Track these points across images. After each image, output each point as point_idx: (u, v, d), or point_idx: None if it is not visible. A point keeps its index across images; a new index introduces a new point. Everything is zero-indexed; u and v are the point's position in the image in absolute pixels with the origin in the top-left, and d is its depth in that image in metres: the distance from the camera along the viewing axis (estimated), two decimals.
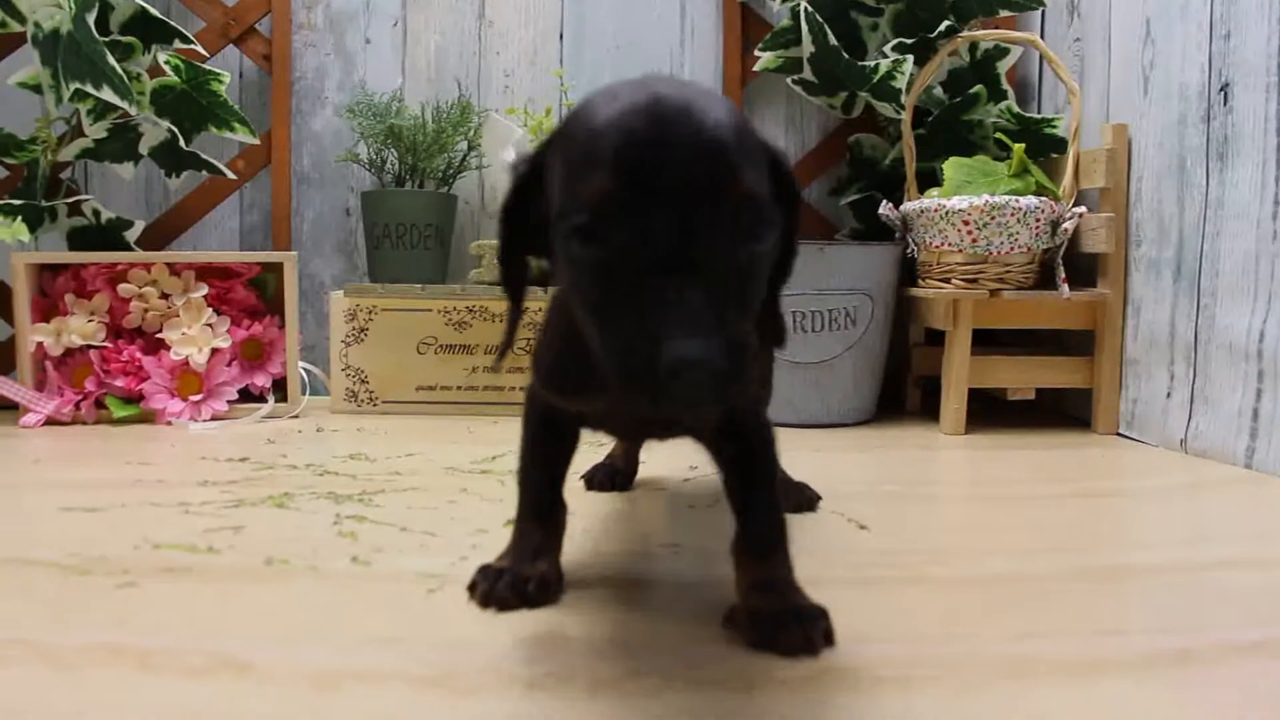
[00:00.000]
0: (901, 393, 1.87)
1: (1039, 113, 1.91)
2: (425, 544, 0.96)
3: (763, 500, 0.78)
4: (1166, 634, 0.73)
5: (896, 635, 0.73)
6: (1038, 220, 1.58)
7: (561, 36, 2.03)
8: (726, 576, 0.77)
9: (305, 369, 1.79)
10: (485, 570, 0.81)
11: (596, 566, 0.90)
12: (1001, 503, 1.18)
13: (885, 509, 1.12)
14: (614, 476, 1.21)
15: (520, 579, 0.79)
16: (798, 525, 1.03)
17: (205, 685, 0.63)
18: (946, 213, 1.59)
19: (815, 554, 0.93)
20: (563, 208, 0.59)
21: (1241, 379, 1.35)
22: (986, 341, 1.77)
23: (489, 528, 1.02)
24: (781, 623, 0.70)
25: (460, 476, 1.25)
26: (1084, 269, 1.67)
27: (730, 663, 0.67)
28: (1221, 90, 1.39)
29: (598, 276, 0.58)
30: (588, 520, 1.05)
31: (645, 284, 0.55)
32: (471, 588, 0.80)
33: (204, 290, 1.69)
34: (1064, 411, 1.80)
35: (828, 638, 0.70)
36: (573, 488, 1.17)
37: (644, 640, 0.72)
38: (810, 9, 1.70)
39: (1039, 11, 1.89)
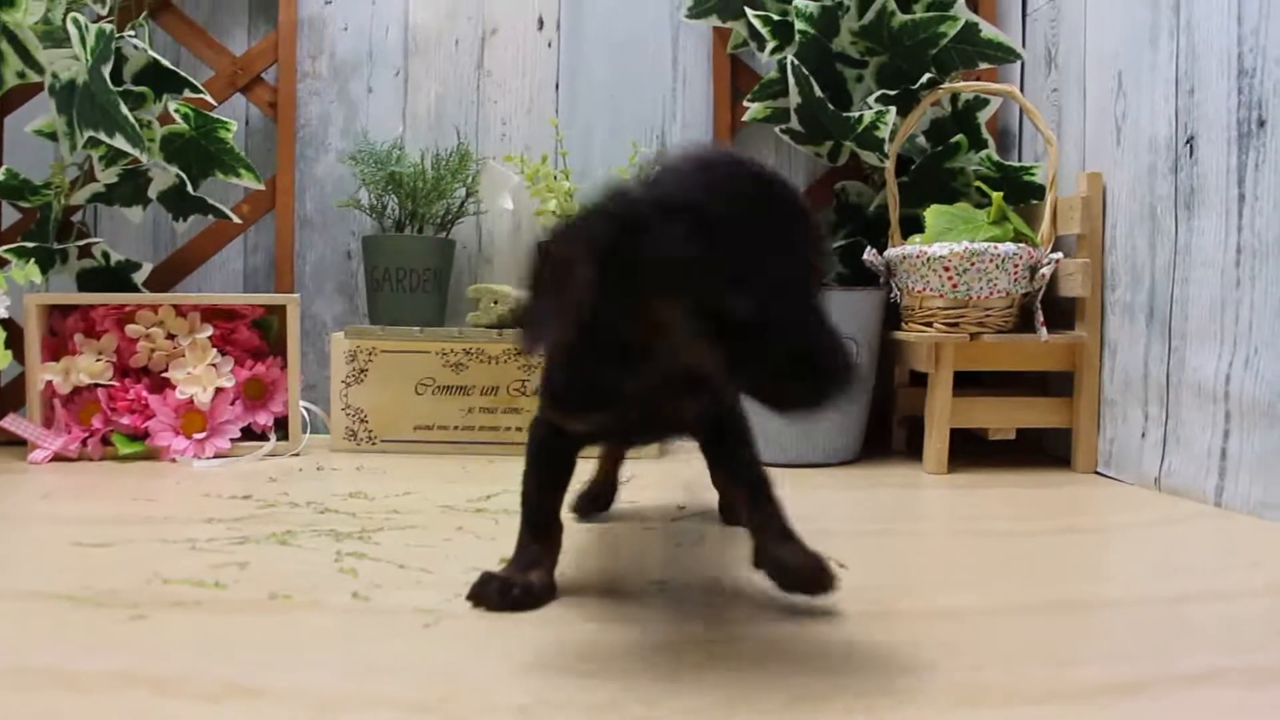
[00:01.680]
0: (888, 433, 1.92)
1: (1019, 161, 1.97)
2: (421, 580, 1.00)
3: (745, 460, 0.95)
4: (1122, 664, 0.78)
5: (865, 667, 0.77)
6: (1016, 266, 1.63)
7: (557, 86, 2.09)
8: (706, 612, 0.87)
9: (306, 408, 1.84)
10: (483, 576, 0.93)
11: (586, 603, 0.94)
12: (978, 539, 1.23)
13: (864, 545, 1.17)
14: (597, 501, 1.28)
15: (508, 585, 0.91)
16: None
17: (218, 709, 0.68)
18: (928, 259, 1.64)
19: None
20: None
21: (1210, 420, 1.40)
22: (970, 383, 1.82)
23: (483, 565, 1.05)
24: (804, 573, 0.88)
25: (456, 515, 1.29)
26: (1062, 312, 1.72)
27: (711, 693, 0.71)
28: (1188, 143, 1.45)
29: None
30: (580, 557, 1.10)
31: None
32: (471, 592, 0.92)
33: (209, 331, 1.75)
34: (1045, 451, 1.84)
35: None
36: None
37: (630, 671, 0.76)
38: (796, 62, 1.76)
39: (1019, 63, 1.94)
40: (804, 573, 0.88)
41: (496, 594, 0.91)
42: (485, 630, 0.86)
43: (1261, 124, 1.31)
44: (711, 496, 1.30)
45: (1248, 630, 0.87)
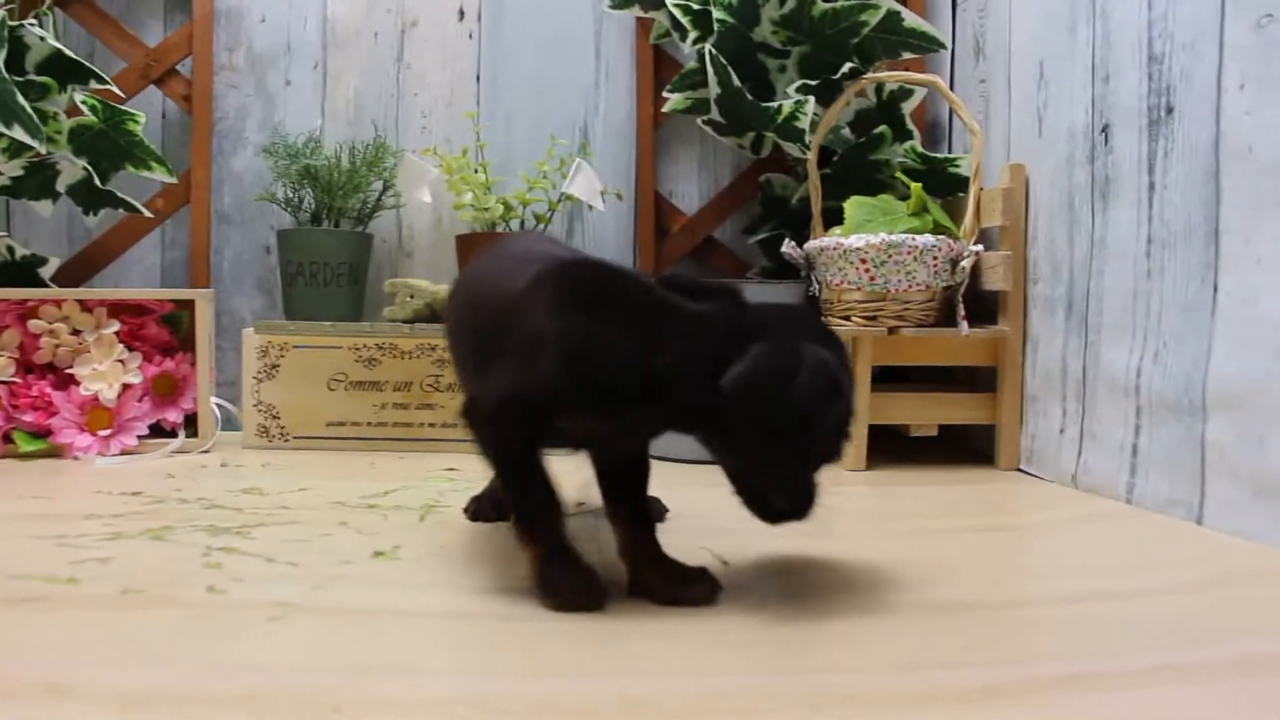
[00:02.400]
0: None
1: (949, 152, 1.94)
2: (286, 574, 0.97)
3: (646, 497, 0.98)
4: (985, 668, 0.75)
5: (705, 669, 0.74)
6: (935, 258, 1.60)
7: (478, 78, 2.06)
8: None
9: (219, 404, 1.79)
10: (552, 577, 0.88)
11: (447, 600, 0.91)
12: (885, 539, 1.19)
13: (759, 544, 1.13)
14: (497, 506, 1.23)
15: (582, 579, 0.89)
16: None
17: (18, 708, 0.64)
18: (845, 251, 1.61)
19: None
20: None
21: (1123, 415, 1.37)
22: (897, 379, 1.79)
23: (354, 559, 1.03)
24: (690, 579, 0.92)
25: (344, 511, 1.26)
26: (987, 306, 1.70)
27: (539, 694, 0.69)
28: (1103, 131, 1.43)
29: None
30: (457, 552, 1.07)
31: None
32: (550, 594, 0.88)
33: (115, 326, 1.70)
34: (971, 448, 1.81)
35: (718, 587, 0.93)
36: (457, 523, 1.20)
37: (464, 668, 0.74)
38: (714, 51, 1.73)
39: (949, 53, 1.92)
40: (695, 585, 0.92)
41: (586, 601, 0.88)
42: (332, 625, 0.83)
43: (1169, 111, 1.28)
44: None
45: (1127, 633, 0.84)
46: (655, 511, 1.17)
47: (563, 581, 0.87)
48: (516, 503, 0.92)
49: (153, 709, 0.64)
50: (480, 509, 1.23)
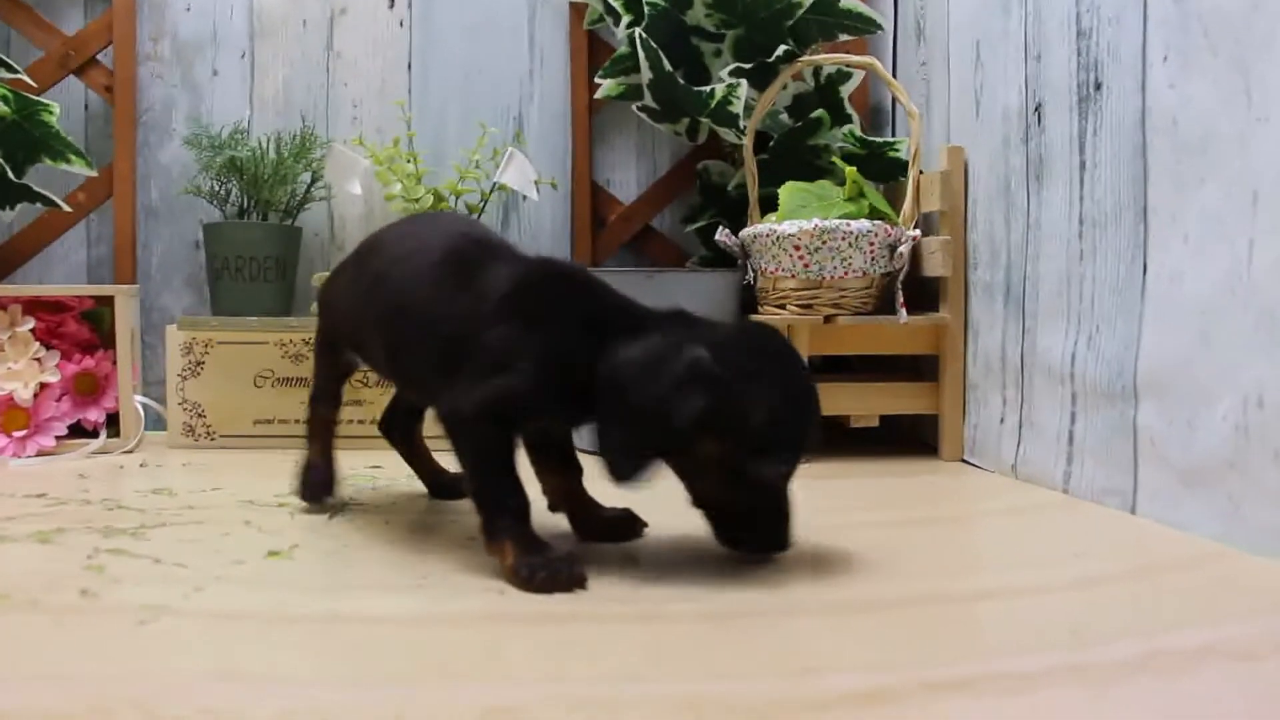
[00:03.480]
0: None
1: (893, 136, 1.90)
2: (170, 575, 0.93)
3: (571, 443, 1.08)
4: (876, 670, 0.70)
5: (589, 676, 0.70)
6: (871, 244, 1.56)
7: (410, 66, 2.01)
8: (452, 613, 0.84)
9: (146, 404, 1.74)
10: (531, 563, 0.90)
11: (321, 602, 0.87)
12: (807, 534, 1.12)
13: (666, 540, 1.08)
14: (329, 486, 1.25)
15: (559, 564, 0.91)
16: None
17: None
18: (778, 238, 1.57)
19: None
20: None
21: (1059, 403, 1.34)
22: (839, 368, 1.75)
23: (247, 559, 0.99)
24: (619, 520, 1.07)
25: (252, 510, 1.21)
26: (929, 293, 1.66)
27: (395, 704, 0.65)
28: (1036, 111, 1.39)
29: None
30: (352, 551, 1.04)
31: None
32: (528, 581, 0.89)
33: (30, 324, 1.65)
34: (920, 439, 1.77)
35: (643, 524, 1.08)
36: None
37: (322, 677, 0.70)
38: (644, 35, 1.69)
39: (892, 35, 1.88)
40: (627, 523, 1.07)
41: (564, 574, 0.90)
42: (201, 629, 0.79)
43: (1098, 86, 1.25)
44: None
45: (1034, 630, 0.80)
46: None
47: (545, 567, 0.89)
48: (492, 502, 0.94)
49: None
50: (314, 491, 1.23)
